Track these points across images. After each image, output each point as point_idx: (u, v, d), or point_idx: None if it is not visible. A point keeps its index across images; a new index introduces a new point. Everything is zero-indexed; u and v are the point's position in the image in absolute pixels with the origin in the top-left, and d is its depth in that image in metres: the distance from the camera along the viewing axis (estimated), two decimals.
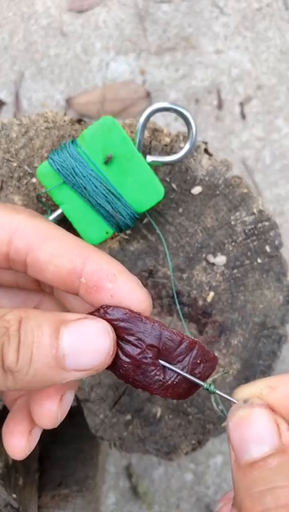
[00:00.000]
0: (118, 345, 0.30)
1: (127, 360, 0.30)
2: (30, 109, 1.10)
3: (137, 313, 0.30)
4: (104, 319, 0.29)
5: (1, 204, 0.32)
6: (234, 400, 0.29)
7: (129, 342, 0.30)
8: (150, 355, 0.30)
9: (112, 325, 0.29)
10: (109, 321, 0.29)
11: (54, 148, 0.49)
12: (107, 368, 0.30)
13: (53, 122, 0.50)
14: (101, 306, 0.30)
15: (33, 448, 0.33)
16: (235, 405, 0.29)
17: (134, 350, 0.30)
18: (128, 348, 0.30)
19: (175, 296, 0.51)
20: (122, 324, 0.29)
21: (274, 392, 0.29)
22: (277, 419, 0.28)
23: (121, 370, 0.30)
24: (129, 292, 0.30)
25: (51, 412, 0.32)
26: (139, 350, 0.30)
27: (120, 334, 0.30)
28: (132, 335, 0.30)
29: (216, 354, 0.53)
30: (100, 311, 0.30)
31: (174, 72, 1.12)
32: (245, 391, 0.29)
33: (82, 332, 0.28)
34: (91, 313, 0.30)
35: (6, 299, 0.36)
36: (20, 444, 0.32)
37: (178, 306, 0.52)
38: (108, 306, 0.30)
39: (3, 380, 0.27)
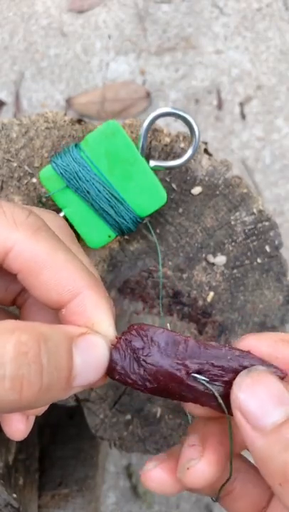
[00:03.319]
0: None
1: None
2: (30, 109, 1.10)
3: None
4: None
5: (0, 211, 0.30)
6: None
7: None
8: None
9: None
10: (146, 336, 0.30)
11: (54, 148, 0.49)
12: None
13: (53, 122, 0.50)
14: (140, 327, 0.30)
15: (30, 430, 0.35)
16: (239, 376, 0.29)
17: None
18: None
19: (160, 296, 0.52)
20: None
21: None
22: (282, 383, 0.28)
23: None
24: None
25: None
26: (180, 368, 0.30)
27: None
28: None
29: None
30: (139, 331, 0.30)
31: (174, 72, 1.12)
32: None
33: (89, 350, 0.28)
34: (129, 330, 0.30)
35: None
36: (20, 427, 0.34)
37: (160, 301, 0.52)
38: (144, 328, 0.30)
39: (18, 407, 0.25)
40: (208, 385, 0.30)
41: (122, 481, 1.00)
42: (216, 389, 0.30)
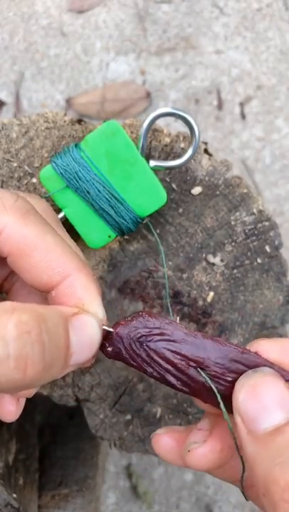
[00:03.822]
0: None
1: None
2: (30, 109, 1.10)
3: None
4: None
5: None
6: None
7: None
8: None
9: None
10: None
11: (54, 148, 0.49)
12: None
13: (53, 122, 0.50)
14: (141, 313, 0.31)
15: (21, 412, 0.36)
16: (243, 375, 0.28)
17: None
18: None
19: (167, 295, 0.52)
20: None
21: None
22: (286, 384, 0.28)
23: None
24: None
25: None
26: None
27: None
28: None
29: None
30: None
31: (174, 72, 1.12)
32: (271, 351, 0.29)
33: (83, 330, 0.28)
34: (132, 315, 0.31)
35: None
36: (11, 409, 0.34)
37: (168, 299, 0.52)
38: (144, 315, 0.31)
39: (21, 385, 0.25)
40: (208, 379, 0.30)
41: (122, 481, 1.00)
42: (215, 386, 0.30)
